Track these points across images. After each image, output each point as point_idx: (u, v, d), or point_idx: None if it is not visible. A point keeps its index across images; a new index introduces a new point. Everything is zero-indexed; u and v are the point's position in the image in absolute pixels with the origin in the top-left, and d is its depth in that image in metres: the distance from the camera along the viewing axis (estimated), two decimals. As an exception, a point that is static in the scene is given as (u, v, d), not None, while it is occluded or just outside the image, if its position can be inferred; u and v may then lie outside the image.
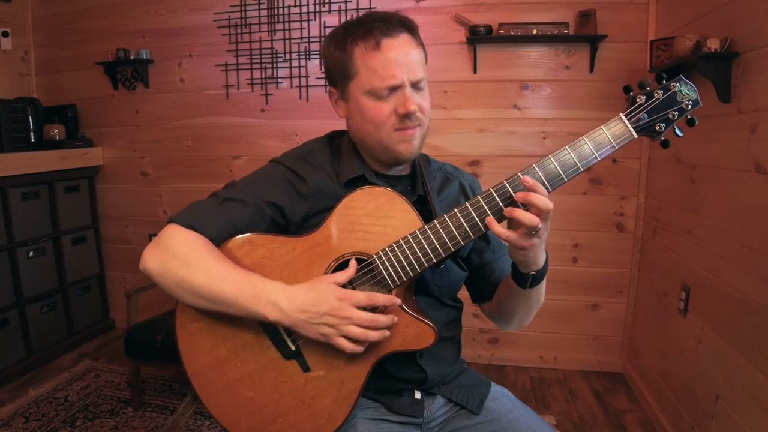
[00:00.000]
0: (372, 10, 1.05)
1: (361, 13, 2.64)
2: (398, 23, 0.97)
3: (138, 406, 2.33)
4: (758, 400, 1.46)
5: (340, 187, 1.05)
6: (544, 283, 1.03)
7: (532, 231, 0.86)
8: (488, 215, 0.90)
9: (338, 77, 1.02)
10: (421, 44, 1.01)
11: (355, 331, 0.89)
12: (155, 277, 0.97)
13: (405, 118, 0.98)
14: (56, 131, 2.99)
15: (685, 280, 2.00)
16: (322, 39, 2.77)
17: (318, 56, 2.80)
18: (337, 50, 1.00)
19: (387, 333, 0.92)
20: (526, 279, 0.96)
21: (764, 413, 1.43)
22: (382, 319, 0.90)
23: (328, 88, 1.09)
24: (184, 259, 0.95)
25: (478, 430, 1.05)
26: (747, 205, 1.59)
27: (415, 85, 0.98)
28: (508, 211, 0.86)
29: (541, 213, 0.85)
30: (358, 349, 0.91)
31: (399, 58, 0.95)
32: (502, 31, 2.50)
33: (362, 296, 0.90)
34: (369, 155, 1.08)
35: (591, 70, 2.52)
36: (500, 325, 1.20)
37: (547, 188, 0.89)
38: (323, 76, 2.76)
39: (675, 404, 2.03)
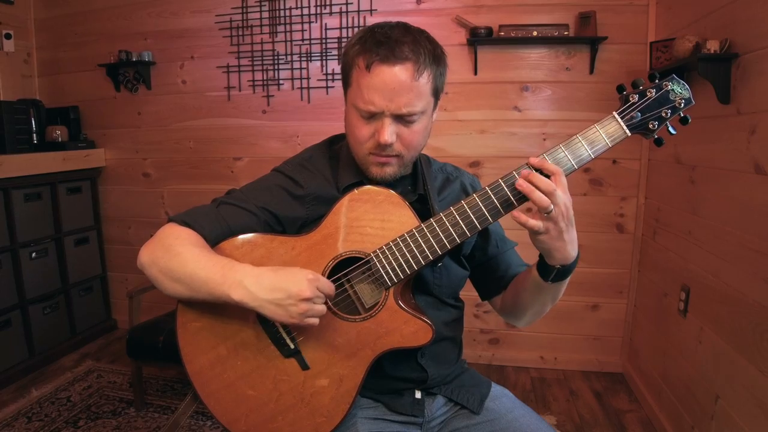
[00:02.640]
0: (396, 22, 1.00)
1: (362, 16, 2.68)
2: (408, 50, 0.92)
3: (140, 407, 2.34)
4: (758, 400, 1.46)
5: (338, 192, 1.05)
6: (565, 283, 1.01)
7: (544, 212, 0.85)
8: (485, 214, 0.91)
9: (342, 78, 1.03)
10: (432, 74, 0.96)
11: (318, 309, 0.91)
12: (145, 269, 0.99)
13: (378, 146, 0.98)
14: (59, 133, 3.00)
15: (685, 280, 2.00)
16: (324, 41, 2.79)
17: (319, 58, 2.81)
18: (346, 53, 0.99)
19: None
20: (550, 271, 0.94)
21: (764, 413, 1.43)
22: (327, 290, 0.92)
23: None
24: (168, 246, 0.97)
25: (479, 429, 1.05)
26: (746, 206, 1.60)
27: (401, 118, 0.96)
28: (520, 184, 0.86)
29: (549, 195, 0.85)
30: (317, 322, 0.92)
31: (385, 87, 0.93)
32: (502, 33, 2.51)
33: (326, 284, 0.92)
34: None
35: (591, 71, 2.53)
36: (509, 319, 1.19)
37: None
38: (324, 78, 2.81)
39: (675, 404, 2.03)
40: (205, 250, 0.97)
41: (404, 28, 0.97)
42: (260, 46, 2.87)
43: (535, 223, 0.86)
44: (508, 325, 2.79)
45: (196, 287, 0.93)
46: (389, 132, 0.96)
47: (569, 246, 0.90)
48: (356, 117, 0.99)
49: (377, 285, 0.98)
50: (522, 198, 0.89)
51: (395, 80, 0.92)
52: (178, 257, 0.94)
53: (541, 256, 0.96)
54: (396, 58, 0.92)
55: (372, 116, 0.97)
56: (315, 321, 0.91)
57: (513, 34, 2.49)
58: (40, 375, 2.69)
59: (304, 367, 0.98)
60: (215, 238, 1.01)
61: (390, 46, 0.92)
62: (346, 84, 1.01)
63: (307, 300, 0.89)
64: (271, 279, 0.90)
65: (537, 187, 0.85)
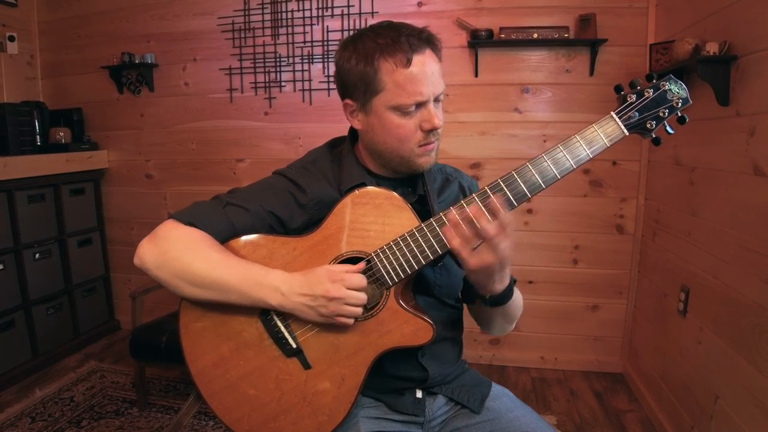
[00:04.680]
0: (387, 21, 1.04)
1: (363, 18, 2.69)
2: (425, 39, 0.97)
3: (143, 407, 2.35)
4: (757, 400, 1.47)
5: (339, 195, 1.06)
6: (514, 303, 1.05)
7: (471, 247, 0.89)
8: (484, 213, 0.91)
9: (359, 91, 1.00)
10: (440, 57, 1.02)
11: (348, 309, 0.93)
12: (152, 270, 0.99)
13: (429, 133, 1.01)
14: (62, 134, 3.02)
15: (685, 281, 2.01)
16: (325, 43, 2.80)
17: (321, 60, 2.83)
18: (361, 63, 0.97)
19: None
20: (483, 297, 0.99)
21: (763, 413, 1.44)
22: (362, 295, 0.94)
23: (344, 100, 1.06)
24: (184, 250, 0.97)
25: (479, 429, 1.06)
26: (745, 207, 1.60)
27: (437, 99, 1.01)
28: (453, 219, 0.90)
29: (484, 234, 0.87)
30: (351, 322, 0.96)
31: (426, 75, 0.96)
32: (503, 35, 2.52)
33: (356, 279, 0.94)
34: (378, 162, 1.09)
35: (591, 73, 2.54)
36: (482, 328, 1.21)
37: (540, 186, 0.92)
38: (326, 79, 2.82)
39: (674, 404, 2.04)
40: (226, 253, 0.99)
41: (395, 23, 1.01)
42: (262, 48, 2.88)
43: (469, 259, 0.89)
44: (509, 326, 2.80)
45: (226, 290, 0.96)
46: (440, 113, 1.01)
47: (497, 283, 0.95)
48: (397, 117, 0.99)
49: (378, 285, 0.99)
50: (523, 197, 0.91)
51: (431, 65, 0.97)
52: (199, 263, 0.96)
53: None
54: (423, 45, 0.97)
55: (417, 108, 0.98)
56: (348, 321, 0.95)
57: (513, 37, 2.51)
58: (44, 375, 2.70)
59: (306, 366, 0.99)
60: (222, 239, 1.02)
61: (412, 40, 0.95)
62: (374, 91, 0.98)
63: (336, 299, 0.92)
64: (301, 282, 0.94)
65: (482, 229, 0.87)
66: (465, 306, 1.24)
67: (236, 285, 0.95)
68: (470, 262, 0.89)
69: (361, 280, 0.95)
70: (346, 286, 0.93)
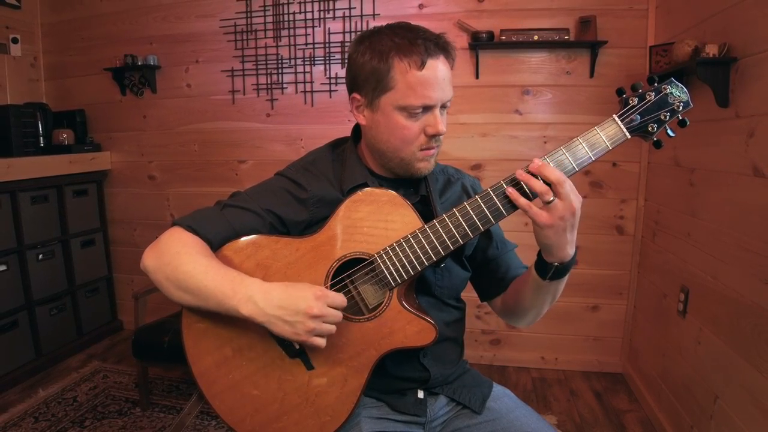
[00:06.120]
0: (406, 22, 1.05)
1: (365, 20, 2.70)
2: (441, 46, 0.98)
3: (145, 407, 2.36)
4: (756, 400, 1.48)
5: (341, 195, 1.07)
6: (564, 282, 1.01)
7: (545, 201, 0.87)
8: (487, 215, 0.92)
9: (369, 86, 1.01)
10: (452, 66, 1.03)
11: (327, 327, 0.91)
12: (150, 274, 1.00)
13: (432, 138, 1.02)
14: (65, 136, 3.03)
15: (684, 281, 2.02)
16: (327, 45, 2.81)
17: (322, 62, 2.84)
18: (375, 59, 0.98)
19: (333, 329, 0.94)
20: (549, 269, 0.94)
21: (762, 413, 1.45)
22: (339, 314, 0.93)
23: (351, 94, 1.06)
24: (175, 254, 0.97)
25: (480, 429, 1.07)
26: (745, 208, 1.61)
27: (443, 106, 1.02)
28: (523, 176, 0.88)
29: (554, 187, 0.87)
30: (324, 344, 0.93)
31: (437, 80, 0.97)
32: (503, 37, 2.53)
33: (339, 299, 0.92)
34: (378, 162, 1.10)
35: (591, 75, 2.55)
36: (510, 320, 1.20)
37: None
38: (327, 81, 2.83)
39: (674, 404, 2.04)
40: (213, 260, 0.98)
41: (413, 25, 1.01)
42: (264, 50, 2.90)
43: (541, 214, 0.87)
44: (509, 326, 2.81)
45: (204, 298, 0.94)
46: (444, 121, 1.02)
47: (569, 245, 0.92)
48: (403, 118, 1.00)
49: (381, 286, 1.00)
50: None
51: (443, 71, 0.98)
52: (186, 266, 0.95)
53: (539, 255, 0.97)
54: (440, 51, 0.98)
55: (424, 111, 0.99)
56: (322, 341, 0.92)
57: (514, 39, 2.52)
58: (47, 375, 2.71)
59: (309, 367, 1.00)
60: (220, 241, 1.03)
61: (428, 44, 0.96)
62: (384, 89, 0.99)
63: (316, 317, 0.89)
64: (280, 295, 0.91)
65: (545, 177, 0.86)
66: (486, 304, 1.23)
67: (212, 291, 0.93)
68: (541, 217, 0.87)
69: (342, 299, 0.93)
70: (328, 303, 0.91)
